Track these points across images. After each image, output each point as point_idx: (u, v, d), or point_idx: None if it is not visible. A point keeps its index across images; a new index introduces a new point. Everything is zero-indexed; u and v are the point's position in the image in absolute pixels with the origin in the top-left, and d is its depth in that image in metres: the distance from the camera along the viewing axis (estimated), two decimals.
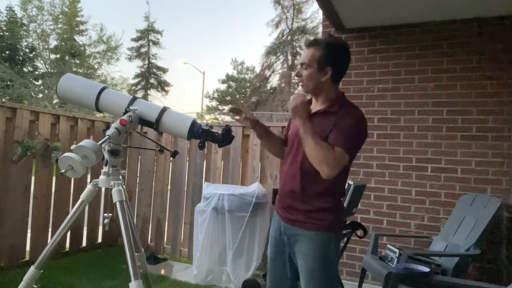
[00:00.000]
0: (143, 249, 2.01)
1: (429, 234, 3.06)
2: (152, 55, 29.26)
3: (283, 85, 25.93)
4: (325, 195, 1.57)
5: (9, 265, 3.25)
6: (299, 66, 1.65)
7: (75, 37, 24.39)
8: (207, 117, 28.45)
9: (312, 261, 1.58)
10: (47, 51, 23.50)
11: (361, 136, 1.58)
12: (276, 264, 1.74)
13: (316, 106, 1.66)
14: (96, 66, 24.66)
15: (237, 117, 1.76)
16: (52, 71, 22.74)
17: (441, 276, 2.47)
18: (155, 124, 1.80)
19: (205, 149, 2.73)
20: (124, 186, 1.78)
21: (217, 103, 32.83)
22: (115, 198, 1.70)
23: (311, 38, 1.76)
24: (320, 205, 1.57)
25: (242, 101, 30.71)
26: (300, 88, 1.59)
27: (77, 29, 24.51)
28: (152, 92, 29.35)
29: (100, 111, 1.95)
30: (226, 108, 31.98)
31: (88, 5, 45.21)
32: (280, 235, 1.69)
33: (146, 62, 29.17)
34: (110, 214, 1.82)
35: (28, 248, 3.48)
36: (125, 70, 59.21)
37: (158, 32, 29.33)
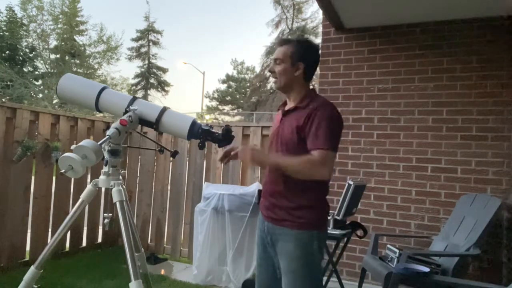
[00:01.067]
0: (143, 249, 2.01)
1: (429, 234, 3.06)
2: (152, 55, 29.28)
3: None
4: (307, 192, 1.56)
5: (9, 265, 3.25)
6: (272, 63, 1.69)
7: (75, 37, 24.39)
8: (207, 117, 28.46)
9: (294, 261, 1.55)
10: (47, 51, 23.51)
11: (335, 125, 1.56)
12: (264, 266, 1.72)
13: (289, 105, 1.70)
14: (96, 66, 24.68)
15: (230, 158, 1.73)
16: (52, 71, 22.74)
17: (441, 276, 2.47)
18: (155, 124, 1.80)
19: (205, 149, 2.73)
20: (124, 186, 1.78)
21: (217, 103, 32.84)
22: (115, 198, 1.70)
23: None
24: (302, 202, 1.56)
25: (242, 101, 30.72)
26: (273, 84, 1.62)
27: (77, 29, 24.51)
28: (152, 92, 29.37)
29: (100, 111, 1.96)
30: (226, 108, 32.03)
31: (88, 5, 45.33)
32: (266, 235, 1.68)
33: (146, 62, 29.17)
34: (110, 214, 1.82)
35: (28, 248, 3.48)
36: (125, 70, 59.39)
37: (158, 32, 29.34)
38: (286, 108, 1.69)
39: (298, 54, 1.62)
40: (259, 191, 1.86)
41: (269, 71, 1.71)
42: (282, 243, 1.59)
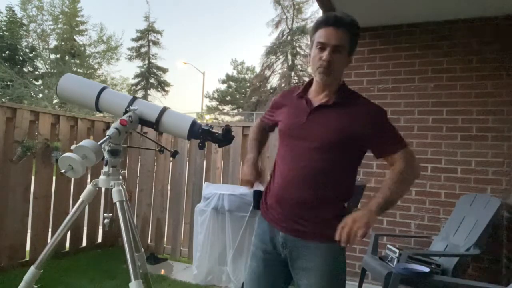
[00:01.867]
0: (143, 249, 2.01)
1: (429, 234, 3.06)
2: (152, 55, 29.30)
3: (283, 85, 25.92)
4: (339, 199, 1.39)
5: (9, 265, 3.25)
6: (328, 50, 1.33)
7: (75, 37, 24.40)
8: (207, 117, 28.46)
9: (324, 278, 1.34)
10: (47, 51, 23.51)
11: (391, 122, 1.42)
12: (264, 281, 1.45)
13: (318, 95, 1.42)
14: (96, 66, 24.68)
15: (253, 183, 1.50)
16: (52, 71, 22.74)
17: (441, 276, 2.47)
18: (155, 124, 1.80)
19: (205, 149, 2.73)
20: (124, 186, 1.78)
21: (217, 103, 32.85)
22: (115, 198, 1.70)
23: (335, 15, 1.35)
24: (336, 212, 1.36)
25: (242, 101, 30.72)
26: (319, 75, 1.37)
27: (77, 29, 24.52)
28: (152, 92, 29.38)
29: (100, 111, 1.96)
30: (226, 108, 32.04)
31: (88, 5, 45.31)
32: (274, 247, 1.43)
33: (146, 62, 29.18)
34: (110, 214, 1.82)
35: (28, 248, 3.48)
36: (125, 70, 59.33)
37: (158, 32, 29.35)
38: (317, 102, 1.40)
39: (353, 45, 1.39)
40: (257, 192, 1.53)
41: (327, 60, 1.33)
42: (307, 258, 1.36)
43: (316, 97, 1.42)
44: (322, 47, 1.34)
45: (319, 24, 1.37)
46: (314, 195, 1.34)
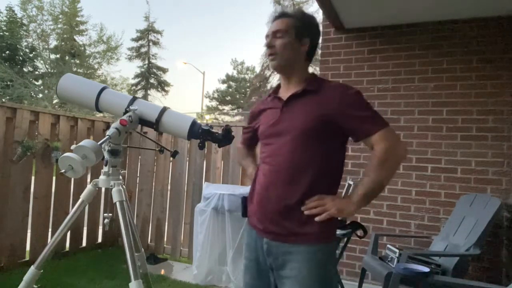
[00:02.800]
0: (143, 249, 2.01)
1: (429, 234, 3.06)
2: (152, 55, 29.31)
3: None
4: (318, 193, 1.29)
5: (9, 265, 3.25)
6: (269, 37, 1.37)
7: (75, 37, 24.41)
8: (207, 117, 28.46)
9: (311, 285, 1.24)
10: (47, 51, 23.51)
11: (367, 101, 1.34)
12: None
13: (288, 90, 1.39)
14: (96, 66, 24.69)
15: None
16: (52, 71, 22.75)
17: (441, 276, 2.47)
18: (155, 124, 1.80)
19: (205, 149, 2.73)
20: (124, 186, 1.78)
21: (217, 103, 32.85)
22: (115, 198, 1.70)
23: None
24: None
25: (242, 101, 30.71)
26: (270, 64, 1.42)
27: (77, 29, 24.52)
28: (152, 92, 29.40)
29: (100, 111, 1.96)
30: (226, 108, 32.03)
31: (88, 5, 45.38)
32: (262, 255, 1.36)
33: (146, 62, 29.19)
34: (110, 214, 1.82)
35: (28, 248, 3.48)
36: (125, 70, 59.38)
37: (158, 32, 29.37)
38: (287, 94, 1.38)
39: (304, 26, 1.37)
40: (244, 198, 1.46)
41: (267, 45, 1.37)
42: (291, 265, 1.26)
43: (286, 92, 1.40)
44: (267, 40, 1.39)
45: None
46: (294, 190, 1.28)
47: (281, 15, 1.39)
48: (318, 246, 1.26)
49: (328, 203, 1.25)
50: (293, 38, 1.35)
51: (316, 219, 1.25)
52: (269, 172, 1.35)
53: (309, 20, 1.41)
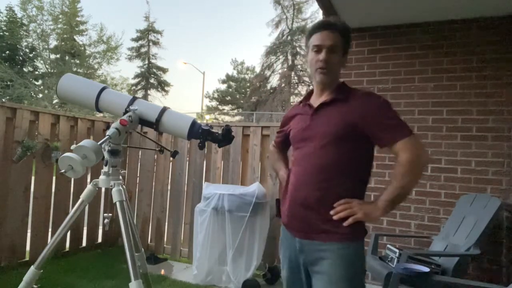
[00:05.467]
0: (143, 249, 2.01)
1: (429, 234, 3.06)
2: (152, 55, 29.33)
3: (283, 85, 25.93)
4: (348, 196, 1.36)
5: (9, 265, 3.25)
6: (325, 51, 1.41)
7: (75, 37, 24.40)
8: (207, 117, 28.46)
9: (339, 283, 1.31)
10: (47, 51, 23.51)
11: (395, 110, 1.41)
12: None
13: (319, 98, 1.48)
14: (96, 66, 24.68)
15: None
16: (52, 71, 22.75)
17: (441, 276, 2.47)
18: (155, 124, 1.79)
19: (205, 149, 2.73)
20: (124, 186, 1.78)
21: (217, 103, 32.86)
22: (115, 198, 1.70)
23: (328, 20, 1.55)
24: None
25: (242, 101, 30.71)
26: (318, 76, 1.44)
27: (77, 29, 24.53)
28: (152, 92, 29.41)
29: (100, 111, 1.95)
30: (226, 108, 32.03)
31: (88, 5, 45.46)
32: (296, 256, 1.43)
33: (146, 62, 29.20)
34: (110, 214, 1.82)
35: (28, 248, 3.48)
36: (125, 70, 59.42)
37: (158, 32, 29.39)
38: (318, 101, 1.46)
39: (346, 44, 1.45)
40: (278, 200, 1.58)
41: (325, 61, 1.40)
42: (323, 262, 1.33)
43: (317, 100, 1.48)
44: (318, 49, 1.42)
45: (313, 30, 1.47)
46: (323, 191, 1.35)
47: (335, 28, 1.43)
48: (348, 243, 1.33)
49: (355, 207, 1.32)
50: (341, 54, 1.44)
51: (344, 224, 1.31)
52: (299, 175, 1.43)
53: (349, 36, 1.48)
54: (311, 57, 1.45)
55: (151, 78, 29.49)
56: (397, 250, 2.63)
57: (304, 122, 1.47)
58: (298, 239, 1.41)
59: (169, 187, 4.20)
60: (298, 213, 1.40)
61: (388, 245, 2.79)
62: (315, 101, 1.49)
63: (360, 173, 1.43)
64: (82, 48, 24.18)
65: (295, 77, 26.21)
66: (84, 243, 4.04)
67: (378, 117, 1.36)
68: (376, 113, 1.36)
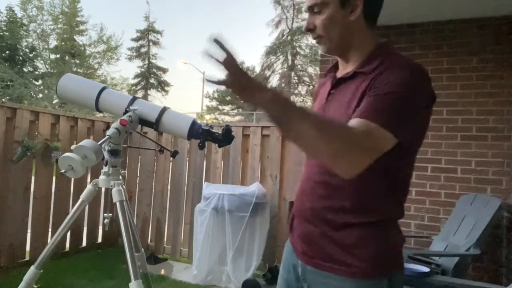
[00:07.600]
0: (143, 249, 2.01)
1: (429, 234, 3.06)
2: (152, 55, 29.30)
3: (283, 85, 25.94)
4: (363, 216, 0.94)
5: (9, 265, 3.25)
6: (307, 16, 1.03)
7: (75, 37, 24.39)
8: (207, 117, 28.43)
9: None
10: (47, 51, 23.50)
11: (416, 99, 0.90)
12: None
13: (345, 69, 1.04)
14: (96, 66, 24.66)
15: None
16: (52, 71, 22.75)
17: (441, 276, 2.47)
18: (155, 124, 1.79)
19: (205, 149, 2.73)
20: (124, 186, 1.78)
21: (217, 103, 32.83)
22: (115, 198, 1.70)
23: None
24: (360, 234, 0.93)
25: (242, 101, 30.65)
26: (321, 49, 1.02)
27: (77, 29, 24.51)
28: (152, 92, 29.38)
29: (100, 111, 1.95)
30: (226, 108, 32.03)
31: (88, 5, 45.43)
32: (297, 279, 1.04)
33: (146, 62, 29.18)
34: (110, 214, 1.82)
35: (28, 248, 3.48)
36: (125, 70, 59.41)
37: (158, 32, 29.36)
38: (339, 74, 1.05)
39: None
40: (291, 203, 1.27)
41: (306, 30, 1.03)
42: None
43: (342, 71, 1.06)
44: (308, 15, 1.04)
45: None
46: (327, 204, 0.96)
47: None
48: (368, 282, 0.90)
49: (236, 74, 0.81)
50: (336, 7, 0.97)
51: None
52: (304, 178, 1.08)
53: None
54: None
55: (151, 78, 29.47)
56: None
57: (320, 104, 1.08)
58: (301, 263, 1.02)
59: (169, 187, 4.20)
60: (299, 229, 1.05)
61: None
62: (340, 72, 1.06)
63: (378, 187, 0.95)
64: (82, 48, 24.17)
65: (295, 77, 26.21)
66: (84, 243, 4.04)
67: (377, 84, 0.89)
68: (380, 80, 0.89)
